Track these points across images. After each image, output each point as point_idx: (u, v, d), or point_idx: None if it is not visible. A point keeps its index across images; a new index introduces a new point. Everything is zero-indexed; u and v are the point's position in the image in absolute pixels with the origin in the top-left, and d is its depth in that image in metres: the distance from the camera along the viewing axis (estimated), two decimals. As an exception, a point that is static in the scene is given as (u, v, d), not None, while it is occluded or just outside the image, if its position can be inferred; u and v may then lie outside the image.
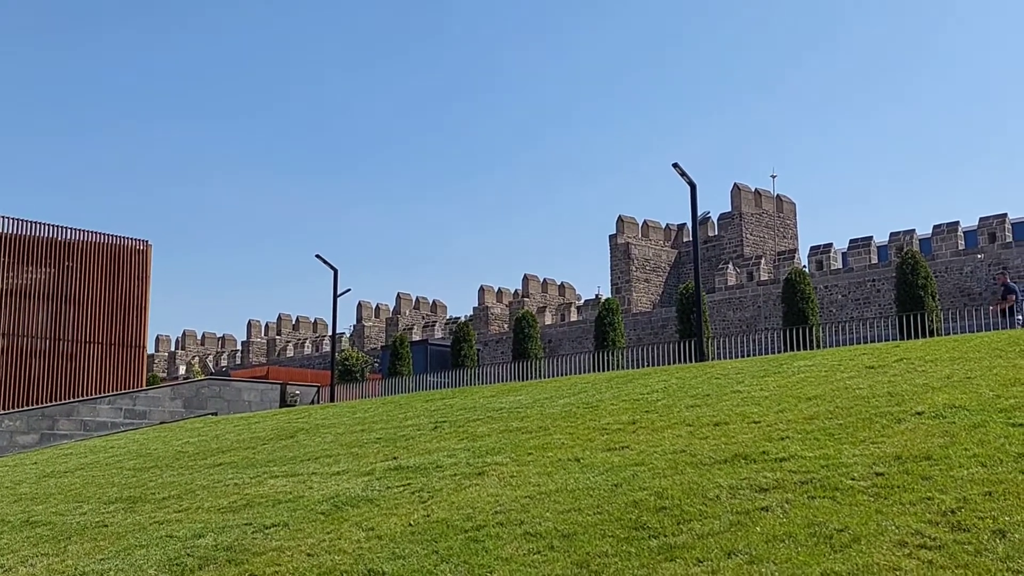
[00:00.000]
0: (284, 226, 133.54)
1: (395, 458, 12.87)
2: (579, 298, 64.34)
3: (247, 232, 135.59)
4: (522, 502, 9.28)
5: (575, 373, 27.32)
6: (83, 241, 31.07)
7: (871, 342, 21.74)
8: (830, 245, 46.83)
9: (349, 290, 34.89)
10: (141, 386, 30.78)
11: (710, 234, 58.77)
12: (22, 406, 27.41)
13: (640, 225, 59.12)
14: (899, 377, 12.48)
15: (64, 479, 17.03)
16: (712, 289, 47.91)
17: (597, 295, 62.52)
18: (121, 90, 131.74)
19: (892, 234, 44.91)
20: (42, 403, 27.74)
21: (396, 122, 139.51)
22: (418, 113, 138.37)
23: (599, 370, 27.08)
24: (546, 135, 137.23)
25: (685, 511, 8.12)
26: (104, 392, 29.27)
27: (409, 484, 10.98)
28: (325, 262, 32.65)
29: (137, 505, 12.95)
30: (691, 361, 23.77)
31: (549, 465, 10.70)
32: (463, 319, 58.53)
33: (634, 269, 56.89)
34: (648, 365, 26.17)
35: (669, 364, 24.47)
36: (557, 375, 27.90)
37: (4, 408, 27.35)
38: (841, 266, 46.52)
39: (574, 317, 55.33)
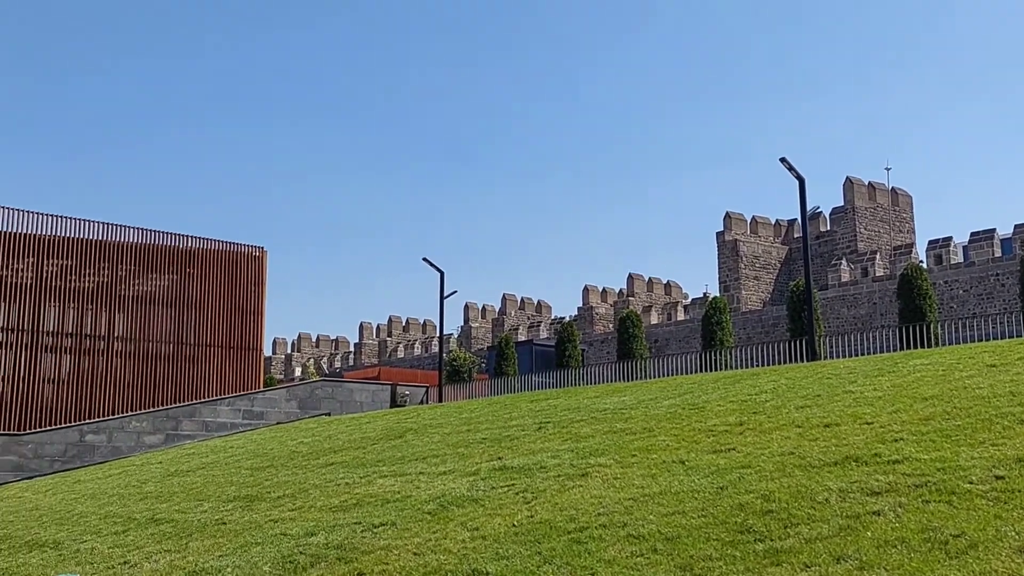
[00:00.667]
0: (393, 228, 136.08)
1: (500, 458, 12.99)
2: (686, 297, 63.55)
3: (358, 235, 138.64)
4: (625, 504, 9.25)
5: (681, 374, 27.01)
6: (203, 249, 32.33)
7: (994, 339, 20.82)
8: (949, 239, 45.00)
9: (455, 292, 35.40)
10: (258, 388, 31.85)
11: (822, 229, 57.23)
12: (148, 408, 28.70)
13: (748, 221, 58.03)
14: (1023, 375, 11.93)
15: (187, 478, 17.76)
16: (825, 286, 46.66)
17: (704, 294, 61.64)
18: (230, 97, 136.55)
19: (1017, 226, 42.86)
20: (167, 405, 28.98)
21: (499, 121, 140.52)
22: (522, 109, 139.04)
23: (706, 370, 26.70)
24: (651, 130, 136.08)
25: (793, 515, 7.95)
26: (224, 394, 30.40)
27: (513, 485, 11.06)
28: (432, 265, 33.16)
29: (254, 503, 13.41)
30: (802, 361, 23.22)
31: (653, 467, 10.63)
32: (567, 319, 58.53)
33: (743, 266, 55.85)
34: (757, 365, 25.68)
35: (779, 364, 23.95)
36: (662, 375, 27.64)
37: (132, 410, 28.67)
38: (962, 260, 44.64)
39: (680, 316, 54.68)
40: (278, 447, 20.25)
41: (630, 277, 61.92)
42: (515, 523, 9.35)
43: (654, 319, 54.63)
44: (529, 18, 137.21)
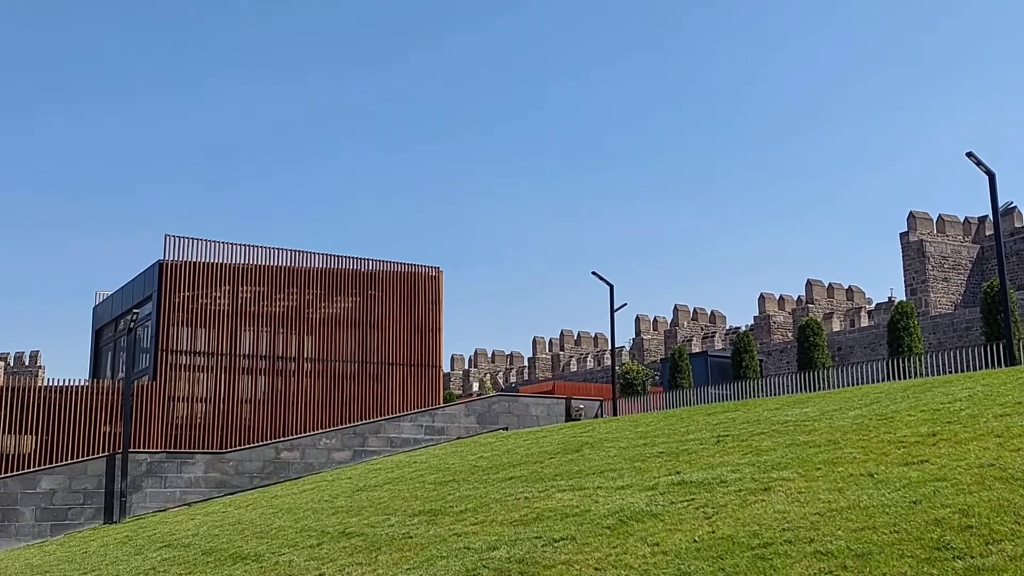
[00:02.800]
0: (563, 242, 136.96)
1: (678, 472, 12.86)
2: (869, 302, 60.79)
3: (528, 250, 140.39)
4: (811, 519, 8.97)
5: (866, 382, 25.88)
6: (383, 271, 33.61)
7: None
8: None
9: (625, 304, 35.28)
10: (439, 404, 32.73)
11: (1016, 225, 53.53)
12: (336, 425, 30.02)
13: (935, 220, 54.98)
14: None
15: (374, 492, 18.48)
16: (1022, 286, 43.57)
17: (889, 298, 58.79)
18: (393, 119, 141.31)
19: None
20: (353, 422, 30.23)
21: (664, 126, 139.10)
22: (692, 113, 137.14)
23: (894, 379, 25.48)
24: (825, 131, 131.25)
25: (994, 530, 7.51)
26: (406, 410, 31.41)
27: (693, 499, 10.93)
28: (601, 278, 33.21)
29: (438, 517, 13.82)
30: (999, 366, 21.79)
31: (840, 480, 10.26)
32: (743, 329, 57.12)
33: (930, 268, 52.94)
34: (949, 372, 24.28)
35: (974, 370, 22.58)
36: (846, 385, 26.55)
37: (321, 427, 30.06)
38: None
39: (864, 322, 52.34)
40: (459, 462, 20.76)
41: (809, 283, 59.83)
42: (696, 538, 9.24)
43: (836, 326, 52.55)
44: (695, 19, 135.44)
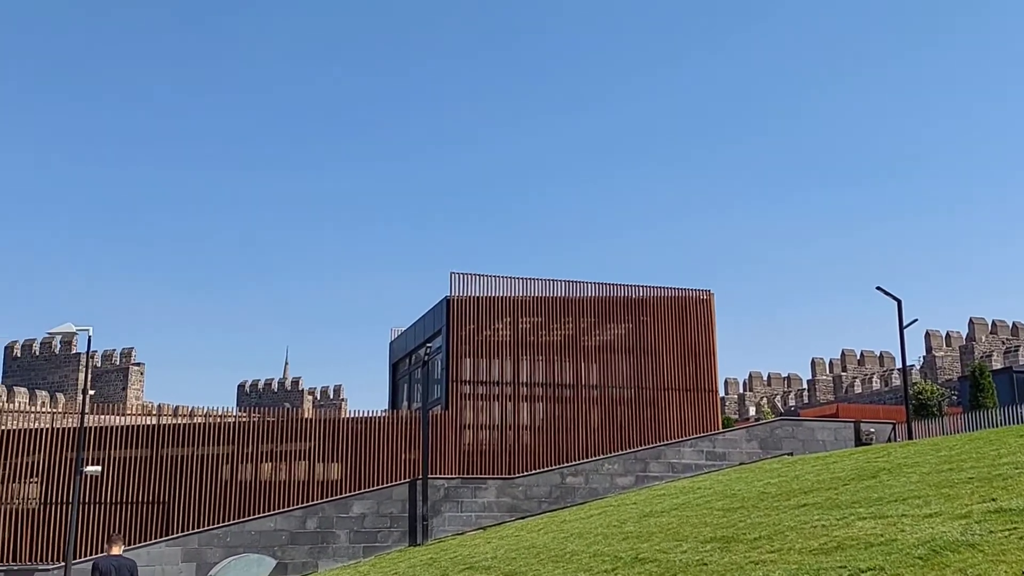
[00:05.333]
0: (840, 259, 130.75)
1: (994, 499, 11.99)
2: None
3: (804, 267, 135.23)
4: None
5: None
6: (653, 297, 33.80)
7: None
8: None
9: (916, 320, 33.11)
10: (717, 429, 32.32)
11: None
12: (615, 450, 30.42)
13: None
14: None
15: (661, 518, 18.59)
16: None
17: None
18: (663, 137, 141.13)
19: None
20: (631, 447, 30.51)
21: (950, 129, 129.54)
22: (975, 118, 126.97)
23: None
24: None
25: None
26: (683, 435, 31.28)
27: (1015, 529, 10.17)
28: (887, 293, 31.52)
29: (731, 544, 13.70)
30: None
31: None
32: (1055, 341, 51.76)
33: None
34: None
35: None
36: None
37: (601, 453, 30.57)
38: None
39: None
40: (745, 488, 20.42)
41: None
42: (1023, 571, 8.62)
43: None
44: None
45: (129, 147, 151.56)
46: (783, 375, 79.65)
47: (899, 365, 63.84)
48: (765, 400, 74.11)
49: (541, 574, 15.45)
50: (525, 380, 31.56)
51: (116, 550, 14.47)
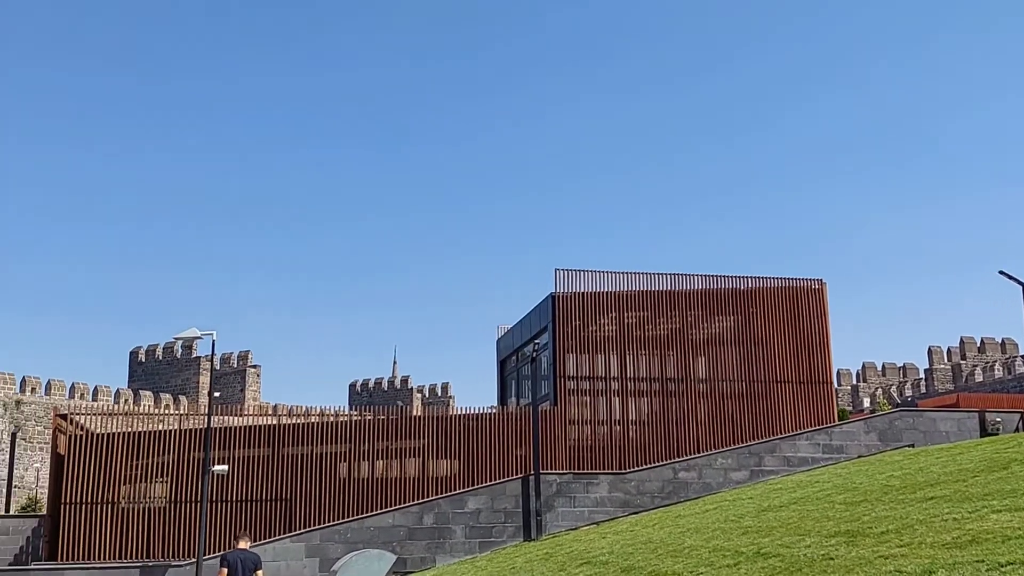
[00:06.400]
0: (956, 244, 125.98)
1: None
2: None
3: (918, 254, 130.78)
4: None
5: None
6: (762, 288, 33.18)
7: None
8: None
9: (1041, 305, 31.63)
10: (832, 421, 31.52)
11: None
12: (727, 445, 29.98)
13: None
14: None
15: (780, 513, 18.28)
16: None
17: None
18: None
19: None
20: (743, 441, 30.02)
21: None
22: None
23: None
24: None
25: None
26: (797, 428, 30.61)
27: None
28: (1011, 277, 30.27)
29: (857, 539, 13.40)
30: None
31: None
32: None
33: None
34: None
35: None
36: None
37: (712, 447, 30.18)
38: None
39: None
40: (867, 481, 19.91)
41: None
42: None
43: None
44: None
45: (245, 150, 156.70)
46: (898, 364, 77.20)
47: (1024, 352, 61.25)
48: (880, 391, 71.95)
49: (660, 569, 15.38)
50: (632, 375, 31.40)
51: (243, 545, 15.14)
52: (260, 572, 14.79)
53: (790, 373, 32.58)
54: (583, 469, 28.61)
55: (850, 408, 69.78)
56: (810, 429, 29.78)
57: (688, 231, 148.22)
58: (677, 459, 28.71)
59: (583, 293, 31.50)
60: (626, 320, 32.02)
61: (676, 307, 32.50)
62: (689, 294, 32.66)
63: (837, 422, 30.98)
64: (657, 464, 28.51)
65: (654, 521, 23.01)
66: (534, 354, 29.86)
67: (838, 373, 75.90)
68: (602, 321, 31.97)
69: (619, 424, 30.57)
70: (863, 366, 76.72)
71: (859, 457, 27.76)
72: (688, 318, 32.58)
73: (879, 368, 76.93)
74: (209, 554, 25.02)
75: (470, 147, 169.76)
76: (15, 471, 43.02)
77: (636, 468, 28.48)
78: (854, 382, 76.15)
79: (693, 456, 28.73)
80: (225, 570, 14.33)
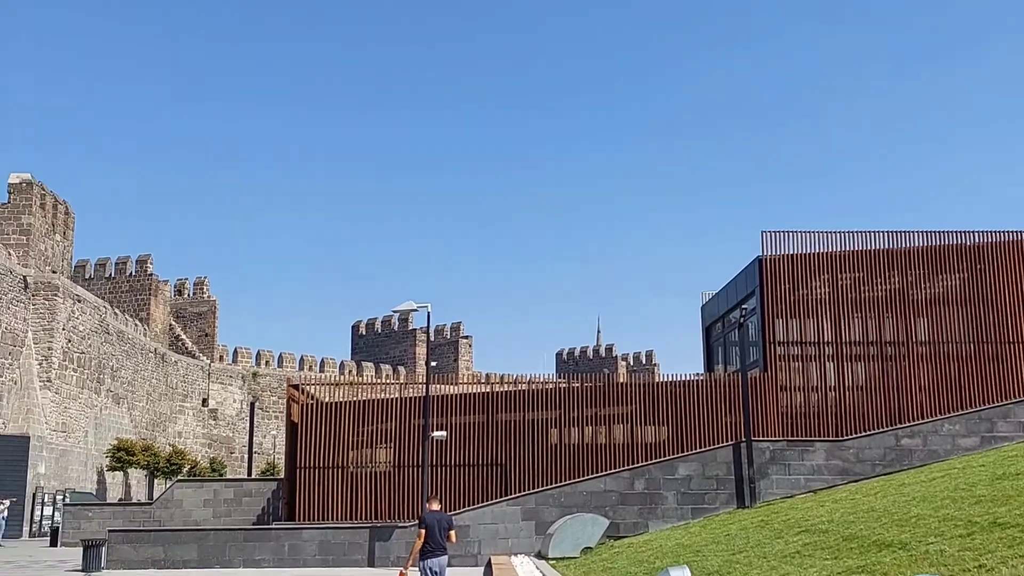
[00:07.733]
0: None
1: None
2: None
3: None
4: None
5: None
6: (993, 242, 30.92)
7: None
8: None
9: None
10: (1072, 384, 29.08)
11: None
12: (953, 410, 28.30)
13: None
14: None
15: (1018, 481, 17.15)
16: None
17: None
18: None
19: None
20: (972, 406, 28.22)
21: None
22: None
23: None
24: None
25: None
26: (1031, 392, 28.46)
27: None
28: None
29: (1108, 510, 12.44)
30: None
31: None
32: None
33: None
34: None
35: None
36: None
37: (937, 412, 28.55)
38: None
39: None
40: (1118, 449, 18.35)
41: None
42: None
43: None
44: None
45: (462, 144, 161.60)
46: None
47: None
48: None
49: (885, 538, 14.86)
50: (847, 339, 30.16)
51: (435, 507, 15.93)
52: (453, 532, 15.50)
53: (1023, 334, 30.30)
54: (797, 436, 27.87)
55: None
56: (1050, 393, 27.66)
57: (909, 186, 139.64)
58: (899, 425, 27.46)
59: (792, 255, 30.47)
60: (839, 282, 30.75)
61: (895, 266, 30.89)
62: (909, 252, 30.96)
63: (1079, 385, 28.56)
64: (877, 431, 27.37)
65: (876, 489, 22.17)
66: (742, 319, 29.26)
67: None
68: (813, 284, 30.85)
69: (834, 390, 29.50)
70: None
71: (1108, 423, 25.54)
72: (908, 277, 30.89)
73: None
74: (432, 516, 26.25)
75: (677, 116, 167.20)
76: (255, 438, 46.70)
77: (854, 435, 27.45)
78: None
79: (917, 422, 27.38)
80: (424, 531, 15.06)
